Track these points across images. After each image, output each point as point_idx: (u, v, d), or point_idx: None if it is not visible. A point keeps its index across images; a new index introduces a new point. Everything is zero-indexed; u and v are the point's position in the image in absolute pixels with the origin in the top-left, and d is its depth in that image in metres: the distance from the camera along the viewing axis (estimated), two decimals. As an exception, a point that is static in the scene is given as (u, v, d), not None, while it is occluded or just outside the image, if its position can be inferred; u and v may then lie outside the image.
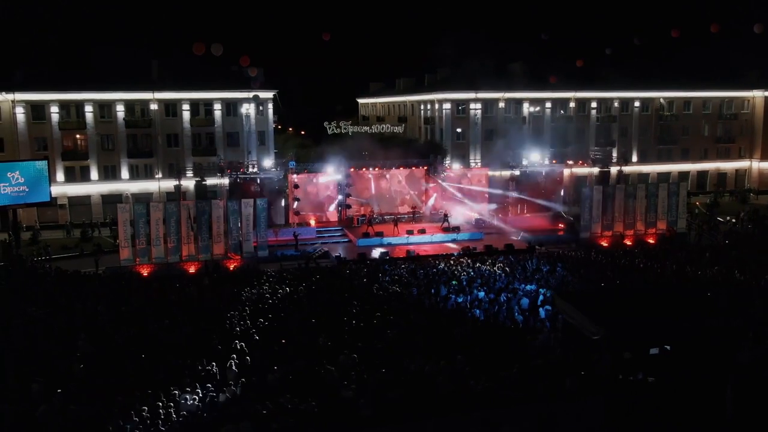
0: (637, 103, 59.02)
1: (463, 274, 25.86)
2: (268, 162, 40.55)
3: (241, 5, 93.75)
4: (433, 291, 23.55)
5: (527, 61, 55.24)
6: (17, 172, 35.11)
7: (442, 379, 13.81)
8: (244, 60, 33.23)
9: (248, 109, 46.40)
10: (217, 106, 48.09)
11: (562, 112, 56.97)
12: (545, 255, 30.43)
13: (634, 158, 59.43)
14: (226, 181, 37.37)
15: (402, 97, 66.07)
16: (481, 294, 23.08)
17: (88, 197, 45.39)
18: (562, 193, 41.49)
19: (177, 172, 35.53)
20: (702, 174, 61.67)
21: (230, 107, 48.09)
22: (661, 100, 59.78)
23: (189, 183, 41.76)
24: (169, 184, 43.11)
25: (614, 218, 36.97)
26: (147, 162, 46.51)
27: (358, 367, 15.77)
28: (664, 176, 58.42)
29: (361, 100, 78.63)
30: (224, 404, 13.12)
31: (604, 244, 36.33)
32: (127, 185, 46.48)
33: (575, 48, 52.06)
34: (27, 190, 35.49)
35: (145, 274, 29.95)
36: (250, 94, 47.16)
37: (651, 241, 37.28)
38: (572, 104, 57.05)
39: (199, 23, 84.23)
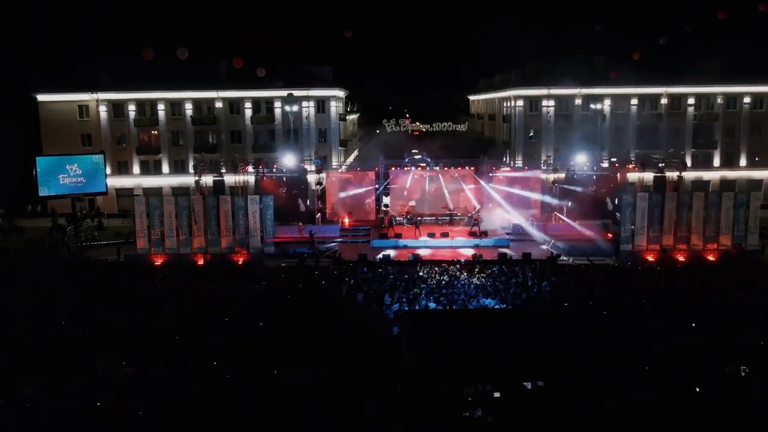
0: (747, 99, 51.52)
1: (432, 283, 24.25)
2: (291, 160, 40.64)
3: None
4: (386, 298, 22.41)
5: (610, 54, 50.31)
6: (75, 165, 38.69)
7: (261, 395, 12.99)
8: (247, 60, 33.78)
9: (293, 108, 46.97)
10: (278, 104, 49.47)
11: (651, 109, 51.32)
12: (544, 267, 27.58)
13: (743, 162, 52.08)
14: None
15: (493, 93, 63.79)
16: (432, 305, 21.60)
17: (159, 189, 48.83)
18: (616, 201, 37.20)
19: (194, 168, 36.99)
20: (837, 181, 52.50)
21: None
22: (780, 95, 51.74)
23: (249, 178, 43.42)
24: (230, 179, 45.03)
25: (662, 230, 32.64)
26: (212, 157, 48.86)
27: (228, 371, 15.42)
28: (785, 182, 50.83)
29: (471, 97, 76.85)
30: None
31: (650, 258, 32.25)
32: (193, 178, 49.21)
33: (667, 39, 46.55)
34: (84, 181, 38.98)
35: (158, 264, 31.68)
36: (309, 93, 48.04)
37: (711, 258, 32.46)
38: (664, 100, 51.17)
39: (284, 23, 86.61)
